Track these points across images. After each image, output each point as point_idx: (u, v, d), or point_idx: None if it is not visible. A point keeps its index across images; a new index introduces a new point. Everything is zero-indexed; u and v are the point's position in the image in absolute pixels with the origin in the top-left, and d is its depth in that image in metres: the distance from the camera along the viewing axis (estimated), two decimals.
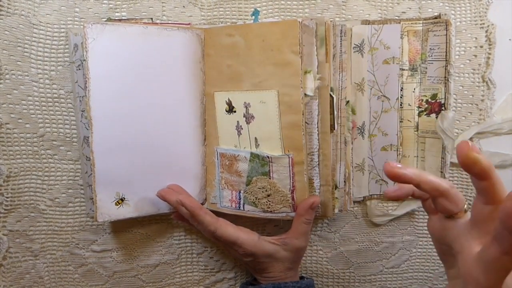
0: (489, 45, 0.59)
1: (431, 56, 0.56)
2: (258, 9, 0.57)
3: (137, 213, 0.53)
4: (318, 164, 0.51)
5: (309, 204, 0.50)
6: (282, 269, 0.53)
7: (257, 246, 0.52)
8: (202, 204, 0.57)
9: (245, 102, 0.51)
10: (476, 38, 0.59)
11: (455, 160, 0.60)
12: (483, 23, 0.58)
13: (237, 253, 0.52)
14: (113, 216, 0.51)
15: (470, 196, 0.61)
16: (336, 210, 0.54)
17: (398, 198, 0.43)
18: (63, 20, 0.54)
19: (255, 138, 0.51)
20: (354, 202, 0.60)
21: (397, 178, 0.35)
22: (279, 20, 0.57)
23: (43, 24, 0.54)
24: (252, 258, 0.52)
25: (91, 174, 0.50)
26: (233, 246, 0.52)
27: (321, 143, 0.51)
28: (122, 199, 0.52)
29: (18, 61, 0.53)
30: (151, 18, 0.55)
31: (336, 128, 0.51)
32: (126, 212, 0.52)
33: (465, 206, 0.36)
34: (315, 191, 0.52)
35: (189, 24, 0.55)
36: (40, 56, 0.54)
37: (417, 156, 0.59)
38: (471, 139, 0.60)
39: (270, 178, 0.51)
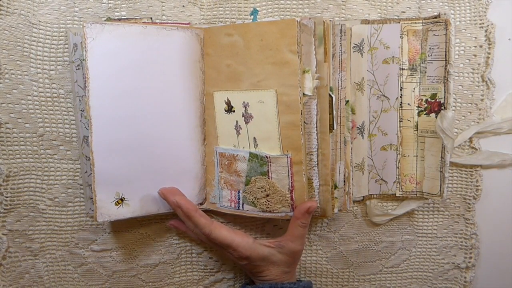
0: (489, 44, 0.59)
1: (431, 55, 0.56)
2: (257, 8, 0.57)
3: (137, 213, 0.53)
4: (317, 164, 0.51)
5: (305, 208, 0.50)
6: (279, 272, 0.53)
7: (252, 249, 0.52)
8: (202, 203, 0.57)
9: (244, 102, 0.51)
10: (475, 37, 0.59)
11: (455, 160, 0.60)
12: (483, 23, 0.58)
13: (232, 256, 0.53)
14: (113, 216, 0.51)
15: (469, 196, 0.61)
16: (336, 210, 0.54)
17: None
18: (63, 19, 0.54)
19: (254, 138, 0.51)
20: (354, 201, 0.60)
21: None
22: (277, 19, 0.57)
23: (42, 24, 0.54)
24: (247, 262, 0.52)
25: (91, 173, 0.50)
26: (227, 248, 0.52)
27: (320, 143, 0.51)
28: (122, 199, 0.52)
29: (17, 60, 0.54)
30: (151, 18, 0.55)
31: (335, 127, 0.51)
32: (126, 212, 0.52)
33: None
34: (314, 191, 0.52)
35: (188, 23, 0.55)
36: (39, 55, 0.54)
37: (417, 156, 0.58)
38: (470, 138, 0.60)
39: (269, 178, 0.51)
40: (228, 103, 0.53)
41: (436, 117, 0.56)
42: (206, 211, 0.57)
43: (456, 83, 0.59)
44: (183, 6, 0.57)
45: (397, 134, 0.59)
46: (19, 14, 0.53)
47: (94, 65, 0.48)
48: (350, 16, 0.58)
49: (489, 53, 0.59)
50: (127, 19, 0.54)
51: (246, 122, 0.52)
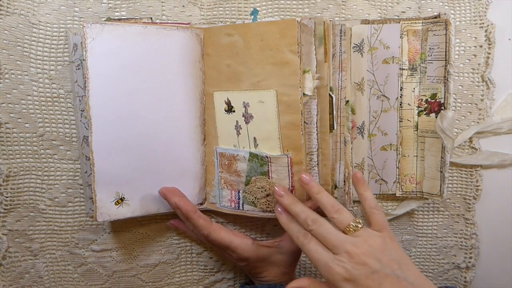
0: (489, 44, 0.59)
1: (431, 55, 0.56)
2: (257, 8, 0.57)
3: (137, 213, 0.53)
4: (317, 164, 0.51)
5: None
6: (277, 273, 0.53)
7: (251, 251, 0.52)
8: (202, 203, 0.57)
9: (244, 102, 0.51)
10: (475, 37, 0.59)
11: (455, 160, 0.60)
12: (483, 23, 0.58)
13: (232, 257, 0.53)
14: (113, 216, 0.51)
15: (469, 196, 0.61)
16: None
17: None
18: (63, 19, 0.54)
19: (254, 138, 0.51)
20: (354, 201, 0.60)
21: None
22: (277, 20, 0.57)
23: (42, 24, 0.54)
24: (246, 263, 0.52)
25: (91, 173, 0.50)
26: (226, 250, 0.52)
27: (320, 142, 0.51)
28: (122, 199, 0.52)
29: (17, 60, 0.54)
30: (151, 18, 0.55)
31: (335, 127, 0.51)
32: (125, 211, 0.52)
33: None
34: None
35: (188, 23, 0.55)
36: (39, 55, 0.54)
37: (417, 156, 0.58)
38: (470, 138, 0.60)
39: (269, 178, 0.51)
40: (228, 103, 0.53)
41: (436, 117, 0.56)
42: (206, 211, 0.57)
43: (456, 83, 0.59)
44: (183, 6, 0.57)
45: (397, 134, 0.59)
46: (19, 14, 0.53)
47: (94, 65, 0.48)
48: (350, 16, 0.58)
49: (489, 53, 0.59)
50: (127, 19, 0.54)
51: (246, 122, 0.52)
